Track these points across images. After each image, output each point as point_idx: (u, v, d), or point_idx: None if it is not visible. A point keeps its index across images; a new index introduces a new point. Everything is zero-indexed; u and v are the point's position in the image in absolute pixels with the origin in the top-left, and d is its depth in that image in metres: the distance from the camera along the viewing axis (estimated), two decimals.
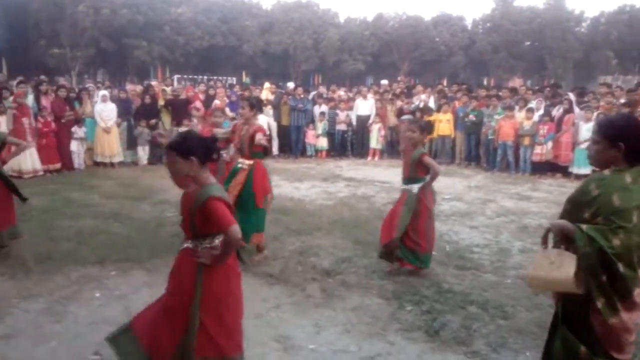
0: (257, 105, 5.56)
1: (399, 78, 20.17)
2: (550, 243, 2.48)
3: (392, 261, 4.95)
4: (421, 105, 12.90)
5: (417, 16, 40.23)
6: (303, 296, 4.45)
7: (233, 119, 9.87)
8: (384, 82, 16.40)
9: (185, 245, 2.84)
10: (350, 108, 13.52)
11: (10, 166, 9.44)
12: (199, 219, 2.71)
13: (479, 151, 12.10)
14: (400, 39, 38.55)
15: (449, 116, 12.22)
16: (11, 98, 9.83)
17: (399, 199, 5.03)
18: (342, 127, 13.43)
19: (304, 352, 3.54)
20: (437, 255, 5.49)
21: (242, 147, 5.33)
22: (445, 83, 17.39)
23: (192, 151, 2.72)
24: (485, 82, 30.34)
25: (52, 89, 11.11)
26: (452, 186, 9.52)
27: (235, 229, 2.61)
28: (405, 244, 4.83)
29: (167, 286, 2.91)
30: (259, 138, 5.11)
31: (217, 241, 2.77)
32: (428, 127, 5.27)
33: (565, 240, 2.37)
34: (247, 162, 5.29)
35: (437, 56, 39.34)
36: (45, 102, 10.51)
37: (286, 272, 4.97)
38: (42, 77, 13.18)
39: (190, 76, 26.05)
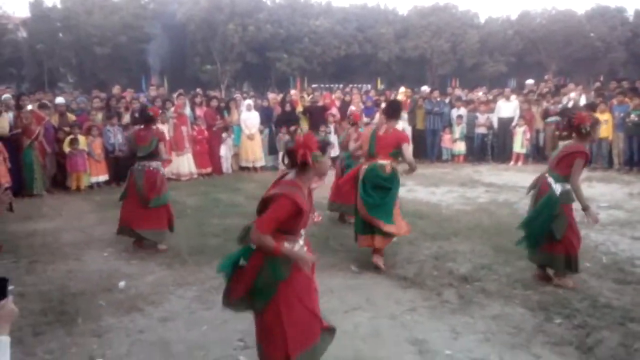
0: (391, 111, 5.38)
1: (546, 77, 18.60)
2: None
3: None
4: (570, 105, 11.81)
5: (568, 10, 36.94)
6: (439, 301, 4.30)
7: (367, 124, 9.93)
8: (530, 81, 15.29)
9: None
10: (491, 110, 12.84)
11: (170, 170, 10.61)
12: None
13: None
14: (549, 36, 35.59)
15: (606, 116, 10.97)
16: (172, 109, 11.01)
17: None
18: (481, 130, 12.82)
19: (439, 357, 3.42)
20: (591, 267, 4.98)
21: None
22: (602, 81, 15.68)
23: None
24: None
25: (205, 100, 12.22)
26: (610, 193, 8.55)
27: None
28: None
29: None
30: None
31: None
32: None
33: None
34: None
35: (592, 53, 35.63)
36: (199, 112, 11.60)
37: (421, 275, 4.86)
38: (198, 90, 14.55)
39: (326, 85, 26.87)
